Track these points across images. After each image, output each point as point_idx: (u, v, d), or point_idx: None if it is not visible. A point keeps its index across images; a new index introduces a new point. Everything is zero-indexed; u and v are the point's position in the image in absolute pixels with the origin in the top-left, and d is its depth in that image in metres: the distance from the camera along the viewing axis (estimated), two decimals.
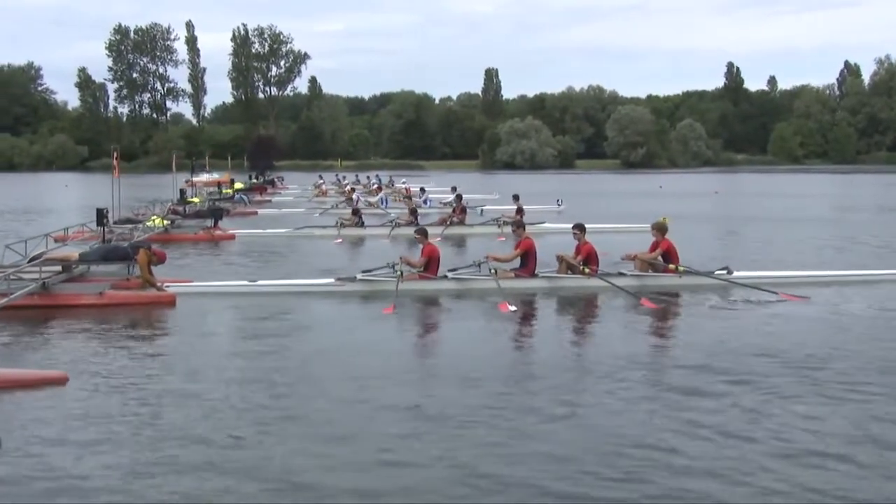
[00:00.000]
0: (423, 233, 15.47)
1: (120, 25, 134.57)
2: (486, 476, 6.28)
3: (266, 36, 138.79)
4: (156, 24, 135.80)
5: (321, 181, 49.21)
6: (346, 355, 10.10)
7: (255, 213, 34.51)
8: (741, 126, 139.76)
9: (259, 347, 10.64)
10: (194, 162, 44.58)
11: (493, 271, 14.33)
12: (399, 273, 14.19)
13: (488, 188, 49.06)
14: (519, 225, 15.87)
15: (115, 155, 23.44)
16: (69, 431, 7.31)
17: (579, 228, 15.20)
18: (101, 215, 15.93)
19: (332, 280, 14.76)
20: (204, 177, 51.63)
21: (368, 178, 56.67)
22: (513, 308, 12.54)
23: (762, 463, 6.51)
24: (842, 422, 7.47)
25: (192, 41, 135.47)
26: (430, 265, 14.74)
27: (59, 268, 13.78)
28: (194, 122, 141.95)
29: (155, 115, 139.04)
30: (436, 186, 49.58)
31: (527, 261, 14.91)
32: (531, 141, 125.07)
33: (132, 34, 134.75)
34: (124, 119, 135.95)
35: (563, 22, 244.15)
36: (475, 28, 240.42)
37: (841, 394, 8.33)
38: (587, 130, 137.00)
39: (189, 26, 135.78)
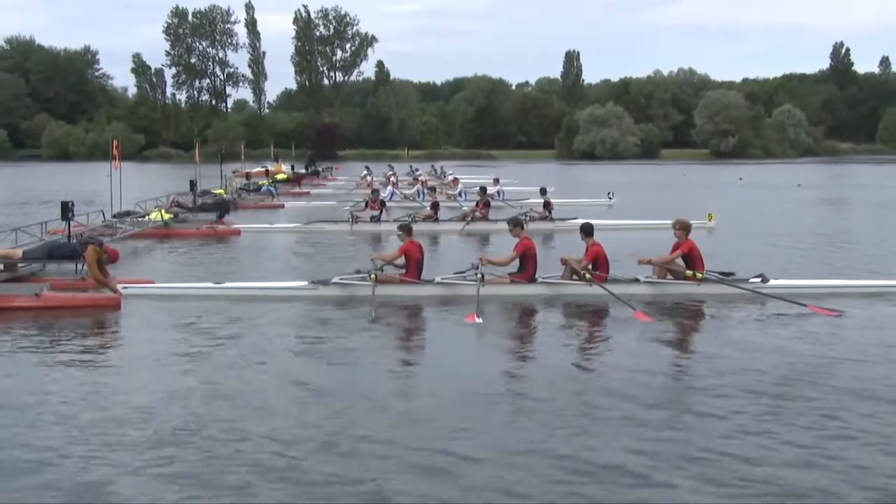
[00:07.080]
0: (405, 229, 14.59)
1: (178, 8, 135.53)
2: None
3: (331, 18, 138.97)
4: (215, 6, 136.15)
5: (366, 173, 48.67)
6: (292, 372, 9.45)
7: (283, 205, 34.08)
8: (847, 112, 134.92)
9: (196, 360, 9.95)
10: (223, 152, 44.30)
11: (481, 276, 13.43)
12: (373, 276, 13.45)
13: (553, 180, 47.60)
14: (517, 224, 14.71)
15: (114, 145, 23.31)
16: None
17: (584, 230, 14.22)
18: (65, 209, 15.53)
19: (305, 283, 14.10)
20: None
21: (417, 169, 55.93)
22: (479, 320, 11.61)
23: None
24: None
25: (252, 24, 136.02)
26: (409, 266, 13.91)
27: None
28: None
29: (214, 102, 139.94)
30: (487, 178, 48.47)
31: (525, 264, 13.95)
32: (612, 129, 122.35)
33: (190, 17, 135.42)
34: (183, 106, 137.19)
35: None
36: (562, 7, 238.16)
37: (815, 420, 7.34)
38: (675, 117, 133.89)
39: (249, 8, 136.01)
